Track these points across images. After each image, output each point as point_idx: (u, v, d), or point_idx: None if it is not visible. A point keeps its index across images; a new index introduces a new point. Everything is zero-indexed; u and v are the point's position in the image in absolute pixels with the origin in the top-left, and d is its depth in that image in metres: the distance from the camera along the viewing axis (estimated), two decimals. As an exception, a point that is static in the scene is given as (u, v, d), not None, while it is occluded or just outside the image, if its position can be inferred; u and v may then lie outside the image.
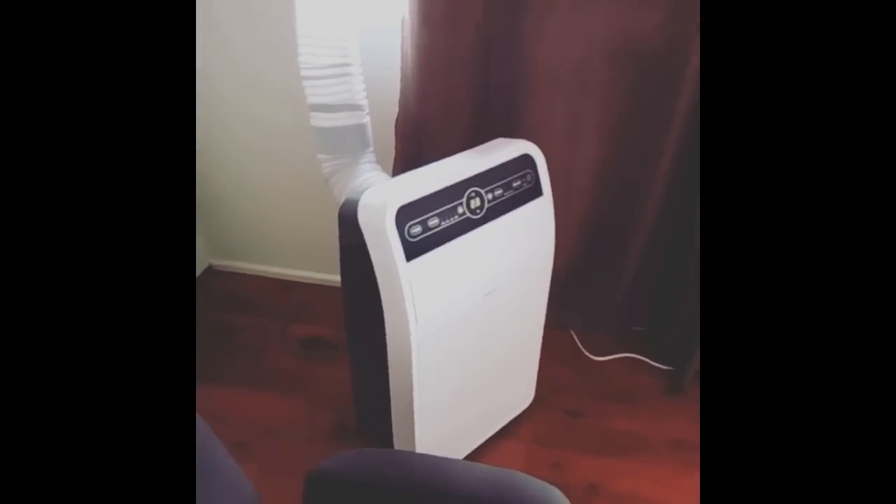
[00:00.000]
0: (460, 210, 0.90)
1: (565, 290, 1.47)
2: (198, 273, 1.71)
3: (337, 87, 1.11)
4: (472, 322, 1.00)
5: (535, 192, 1.00)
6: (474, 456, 1.22)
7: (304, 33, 1.07)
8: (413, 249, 0.85)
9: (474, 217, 0.92)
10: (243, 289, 1.69)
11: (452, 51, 1.14)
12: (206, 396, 1.36)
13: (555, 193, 1.29)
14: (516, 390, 1.26)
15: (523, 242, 1.01)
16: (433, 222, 0.87)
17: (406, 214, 0.84)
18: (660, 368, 1.43)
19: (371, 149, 1.19)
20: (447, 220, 0.88)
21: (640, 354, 1.46)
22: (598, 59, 1.13)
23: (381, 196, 0.84)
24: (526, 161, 0.98)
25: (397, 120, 1.27)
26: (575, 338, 1.51)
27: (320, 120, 1.13)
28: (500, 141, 1.03)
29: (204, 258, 1.73)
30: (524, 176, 0.98)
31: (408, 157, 1.27)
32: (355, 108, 1.13)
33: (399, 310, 0.88)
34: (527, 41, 1.13)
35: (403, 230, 0.84)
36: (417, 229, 0.85)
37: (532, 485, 0.68)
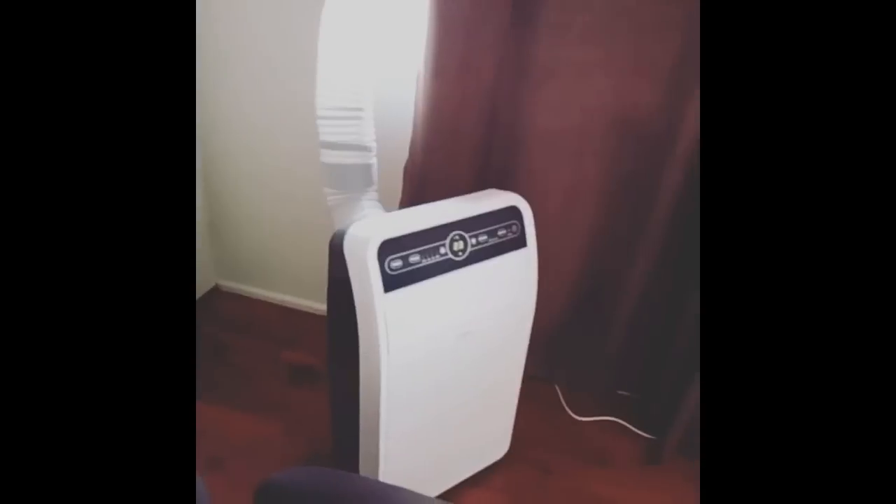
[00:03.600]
0: (442, 251, 0.94)
1: (553, 345, 1.49)
2: (203, 292, 1.77)
3: (348, 128, 1.19)
4: (445, 361, 1.02)
5: (520, 242, 1.04)
6: (443, 497, 1.22)
7: (323, 76, 1.16)
8: (392, 282, 0.89)
9: (456, 259, 0.96)
10: (244, 311, 1.74)
11: (460, 105, 1.22)
12: (190, 410, 1.39)
13: (549, 251, 1.34)
14: (490, 439, 1.26)
15: (503, 289, 1.05)
16: (414, 259, 0.92)
17: (388, 248, 0.89)
18: (641, 436, 1.42)
19: (374, 187, 1.25)
20: (428, 259, 0.93)
21: (623, 419, 1.45)
22: (596, 128, 1.19)
23: (367, 229, 0.90)
24: (513, 212, 1.03)
25: (406, 165, 1.34)
26: (559, 394, 1.51)
27: (329, 156, 1.21)
28: (491, 191, 1.08)
29: (211, 278, 1.80)
30: (510, 226, 1.03)
31: (413, 199, 1.34)
32: (363, 148, 1.21)
33: (373, 339, 0.92)
34: (530, 104, 1.21)
35: (384, 263, 0.89)
36: (398, 263, 0.90)
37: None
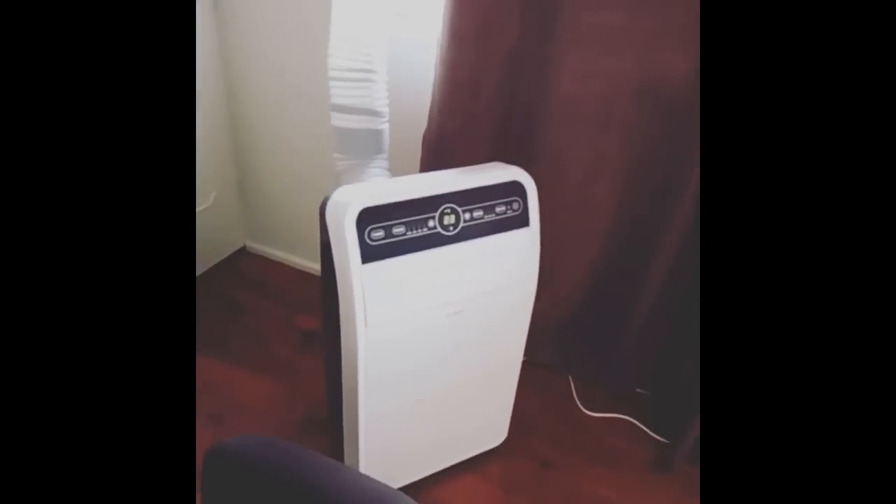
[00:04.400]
0: (431, 224, 0.89)
1: (568, 333, 1.41)
2: (231, 251, 1.80)
3: (358, 91, 1.14)
4: (433, 341, 0.97)
5: (521, 221, 0.97)
6: (430, 481, 1.18)
7: (335, 36, 1.11)
8: (371, 253, 0.85)
9: (446, 233, 0.90)
10: (266, 273, 1.76)
11: (479, 70, 1.14)
12: (202, 364, 1.42)
13: (567, 231, 1.25)
14: (486, 425, 1.21)
15: (500, 270, 0.98)
16: (398, 230, 0.86)
17: (370, 217, 0.84)
18: (654, 438, 1.32)
19: (384, 154, 1.20)
20: (414, 231, 0.88)
21: (637, 419, 1.35)
22: (622, 98, 1.08)
23: (349, 195, 0.85)
24: (515, 188, 0.96)
25: (424, 133, 1.28)
26: (572, 386, 1.43)
27: (339, 120, 1.17)
28: (495, 164, 1.01)
29: (239, 239, 1.83)
30: (510, 203, 0.95)
31: (430, 168, 1.28)
32: (373, 113, 1.16)
33: (350, 311, 0.88)
34: (551, 72, 1.11)
35: (364, 232, 0.84)
36: (379, 234, 0.85)
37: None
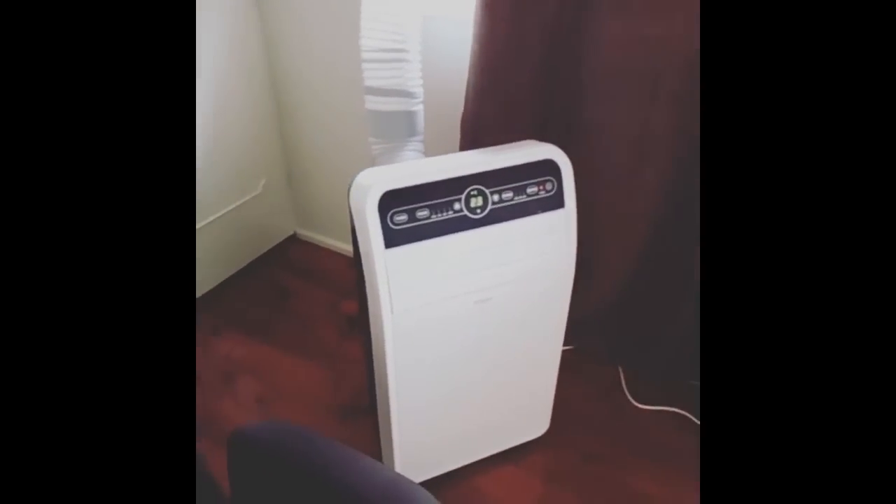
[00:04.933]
0: (457, 206, 0.85)
1: (616, 322, 1.34)
2: (281, 239, 1.84)
3: (391, 73, 1.12)
4: (462, 329, 0.94)
5: (556, 202, 0.92)
6: (471, 470, 1.16)
7: (366, 16, 1.09)
8: (394, 237, 0.83)
9: (473, 216, 0.87)
10: (314, 259, 1.79)
11: (514, 45, 1.09)
12: (247, 347, 1.46)
13: (613, 214, 1.18)
14: (525, 415, 1.17)
15: (533, 255, 0.93)
16: (422, 213, 0.84)
17: (392, 201, 0.82)
18: (710, 434, 1.23)
19: (419, 137, 1.18)
20: (439, 215, 0.85)
21: (690, 412, 1.27)
22: (671, 69, 1.00)
23: (372, 178, 0.83)
24: (548, 167, 0.90)
25: (462, 114, 1.24)
26: (622, 376, 1.37)
27: (373, 103, 1.15)
28: (527, 142, 0.96)
29: (290, 226, 1.86)
30: (543, 183, 0.90)
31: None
32: (407, 94, 1.13)
33: (376, 297, 0.86)
34: (594, 41, 1.04)
35: (387, 216, 0.82)
36: (402, 217, 0.83)
37: (416, 492, 0.63)
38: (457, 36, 1.23)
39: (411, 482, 0.65)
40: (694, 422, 1.26)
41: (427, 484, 1.13)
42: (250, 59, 1.53)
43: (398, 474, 0.67)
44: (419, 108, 1.15)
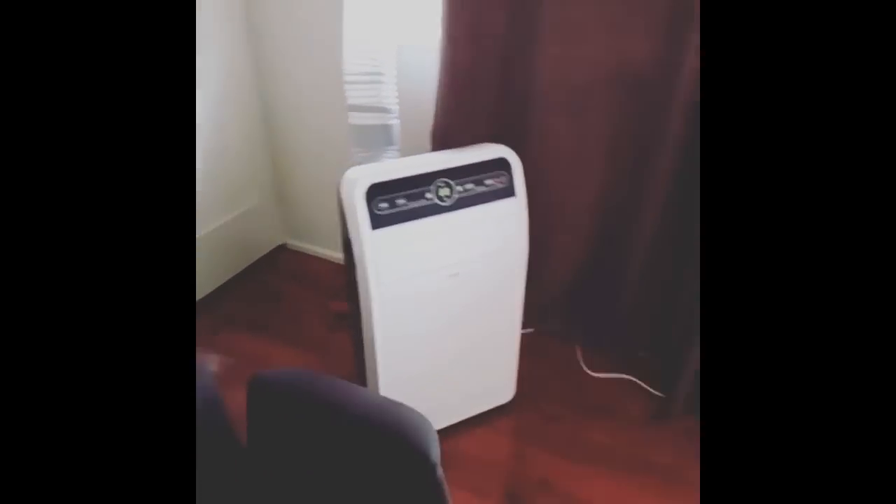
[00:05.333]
0: (428, 195, 1.05)
1: (571, 303, 1.54)
2: (272, 248, 2.01)
3: (369, 92, 1.33)
4: (438, 300, 1.13)
5: (508, 192, 1.12)
6: (447, 432, 1.33)
7: (347, 45, 1.30)
8: (379, 220, 1.02)
9: (442, 203, 1.06)
10: (303, 266, 1.96)
11: (473, 67, 1.30)
12: (245, 342, 1.62)
13: (562, 207, 1.39)
14: (493, 383, 1.35)
15: (492, 235, 1.13)
16: (400, 201, 1.03)
17: (376, 191, 1.01)
18: (653, 394, 1.43)
19: (395, 146, 1.38)
20: (414, 202, 1.04)
21: (638, 378, 1.47)
22: (599, 83, 1.22)
23: (359, 174, 1.03)
24: (501, 163, 1.11)
25: (432, 126, 1.45)
26: (578, 353, 1.56)
27: (355, 118, 1.36)
28: (485, 145, 1.17)
29: (279, 237, 2.04)
30: (498, 176, 1.11)
31: (437, 160, 1.44)
32: (383, 110, 1.34)
33: (364, 272, 1.05)
34: (535, 65, 1.26)
35: (372, 203, 1.01)
36: (385, 205, 1.02)
37: (410, 411, 0.80)
38: (427, 61, 1.45)
39: (399, 402, 0.83)
40: (639, 384, 1.46)
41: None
42: (241, 85, 1.72)
43: (388, 398, 0.84)
44: (395, 121, 1.36)
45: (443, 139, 1.41)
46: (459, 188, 1.08)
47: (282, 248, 2.04)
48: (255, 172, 1.85)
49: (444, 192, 1.06)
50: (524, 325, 1.64)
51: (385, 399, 0.84)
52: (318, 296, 1.81)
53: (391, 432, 0.78)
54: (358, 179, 1.01)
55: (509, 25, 1.25)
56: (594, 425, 1.36)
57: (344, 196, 1.04)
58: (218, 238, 1.75)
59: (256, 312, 1.74)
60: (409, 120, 1.46)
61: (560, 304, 1.56)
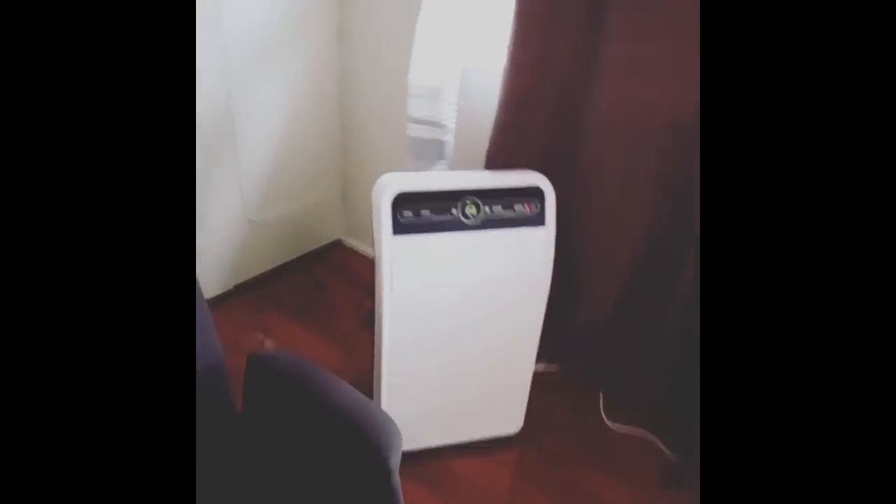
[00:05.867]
0: (454, 211, 1.07)
1: (598, 345, 1.48)
2: (327, 242, 2.10)
3: (429, 106, 1.37)
4: (449, 314, 1.13)
5: (538, 220, 1.11)
6: (448, 452, 1.32)
7: (414, 60, 1.35)
8: (400, 227, 1.05)
9: (466, 221, 1.07)
10: (351, 263, 2.03)
11: (533, 95, 1.31)
12: (283, 324, 1.70)
13: (600, 246, 1.36)
14: (501, 410, 1.32)
15: (514, 260, 1.12)
16: (425, 212, 1.05)
17: (403, 199, 1.04)
18: (669, 455, 1.34)
19: (446, 161, 1.41)
20: (439, 216, 1.06)
21: (657, 435, 1.38)
22: (655, 126, 1.19)
23: (390, 180, 1.06)
24: (534, 191, 1.10)
25: (487, 146, 1.47)
26: (600, 399, 1.50)
27: (412, 130, 1.40)
28: (522, 171, 1.16)
29: (337, 233, 2.13)
30: (529, 203, 1.10)
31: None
32: (439, 125, 1.38)
33: (381, 276, 1.08)
34: (597, 98, 1.25)
35: (397, 210, 1.04)
36: (409, 213, 1.05)
37: (381, 415, 0.82)
38: (489, 85, 1.47)
39: (377, 406, 0.84)
40: (658, 445, 1.37)
41: (407, 456, 1.30)
42: (326, 89, 1.83)
43: (371, 401, 0.86)
44: (449, 137, 1.39)
45: (495, 160, 1.43)
46: (487, 209, 1.08)
47: (337, 244, 2.13)
48: (325, 168, 1.95)
49: (471, 210, 1.07)
50: (548, 360, 1.61)
51: (362, 399, 0.85)
52: (358, 293, 1.87)
53: (357, 430, 0.79)
54: (388, 185, 1.04)
55: (575, 59, 1.25)
56: (599, 478, 1.30)
57: (373, 198, 1.07)
58: (279, 224, 1.86)
59: (299, 299, 1.82)
60: (464, 138, 1.48)
61: (588, 345, 1.51)
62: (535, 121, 1.34)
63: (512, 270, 1.13)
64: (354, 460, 0.79)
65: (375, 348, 1.20)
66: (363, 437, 0.78)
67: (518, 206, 1.09)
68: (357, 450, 0.79)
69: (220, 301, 1.76)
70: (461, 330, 1.16)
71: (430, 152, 1.40)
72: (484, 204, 1.08)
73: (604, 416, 1.45)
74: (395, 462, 0.77)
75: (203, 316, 0.94)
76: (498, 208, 1.08)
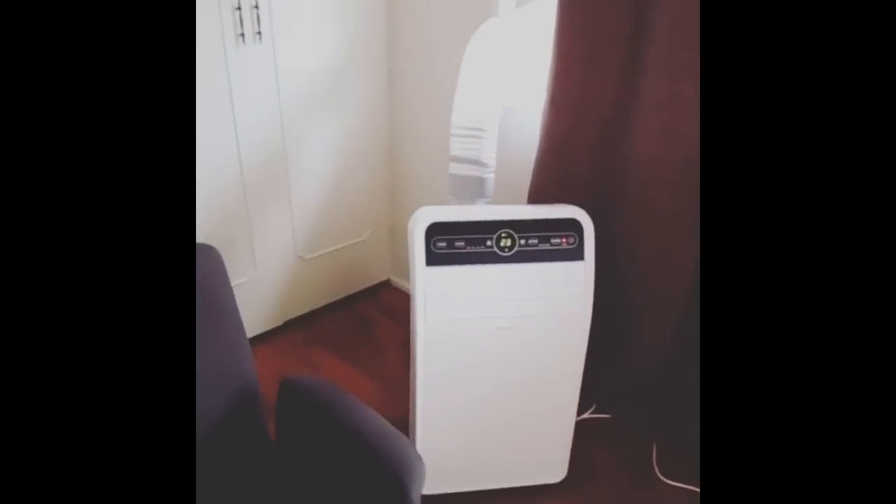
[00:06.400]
0: (489, 243, 1.06)
1: (651, 395, 1.40)
2: (376, 282, 2.13)
3: (470, 145, 1.39)
4: (484, 349, 1.11)
5: (577, 254, 1.08)
6: (486, 497, 1.26)
7: (458, 100, 1.39)
8: (434, 258, 1.05)
9: (501, 253, 1.06)
10: (400, 302, 2.04)
11: (573, 134, 1.31)
12: (329, 361, 1.72)
13: (649, 290, 1.31)
14: (542, 457, 1.26)
15: (551, 295, 1.09)
16: (459, 244, 1.05)
17: (437, 230, 1.05)
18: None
19: (487, 199, 1.42)
20: (473, 247, 1.06)
21: (714, 496, 1.27)
22: (698, 161, 1.15)
23: (426, 212, 1.07)
24: (572, 224, 1.08)
25: (529, 187, 1.47)
26: (654, 451, 1.40)
27: (454, 168, 1.42)
28: (562, 206, 1.15)
29: (386, 273, 2.16)
30: (567, 237, 1.08)
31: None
32: (480, 164, 1.39)
33: (415, 308, 1.08)
34: (636, 135, 1.23)
35: (430, 241, 1.05)
36: (443, 244, 1.05)
37: (404, 443, 0.80)
38: (530, 124, 1.49)
39: (401, 434, 0.83)
40: (715, 504, 1.26)
41: (443, 499, 1.25)
42: (376, 132, 1.90)
43: (393, 428, 0.85)
44: (490, 176, 1.40)
45: (537, 199, 1.42)
46: (522, 241, 1.07)
47: (386, 284, 2.16)
48: (373, 209, 2.01)
49: (506, 242, 1.06)
50: (600, 410, 1.52)
51: (387, 427, 0.84)
52: (404, 333, 1.87)
53: (379, 458, 0.78)
54: (423, 216, 1.05)
55: (616, 96, 1.24)
56: (647, 536, 1.20)
57: (409, 231, 1.09)
58: (328, 262, 1.91)
59: (346, 337, 1.84)
60: (506, 178, 1.49)
61: (643, 393, 1.42)
62: (576, 159, 1.33)
63: (549, 306, 1.10)
64: (377, 488, 0.77)
65: (411, 381, 1.19)
66: (384, 464, 0.76)
67: (555, 240, 1.08)
68: (379, 477, 0.77)
69: (269, 336, 1.81)
70: (497, 365, 1.13)
71: (471, 190, 1.41)
72: (519, 236, 1.07)
73: (656, 470, 1.35)
74: (417, 492, 0.75)
75: (240, 344, 0.97)
76: (534, 241, 1.07)
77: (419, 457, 0.78)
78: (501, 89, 1.37)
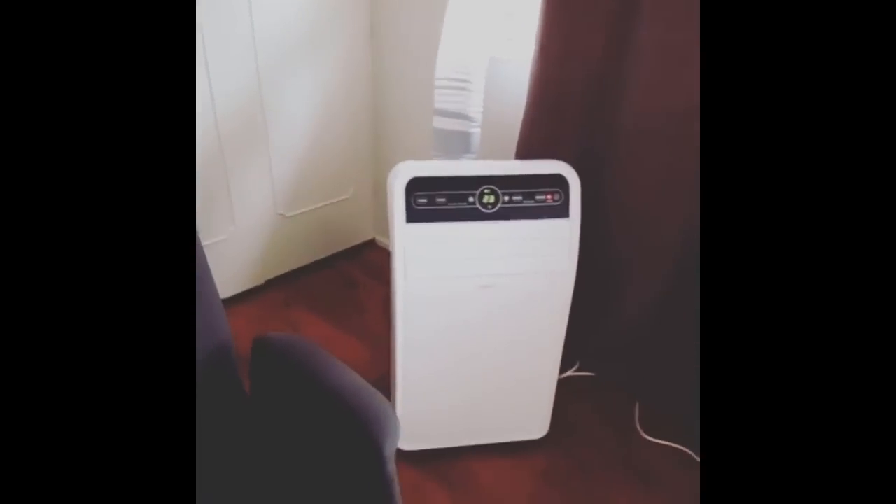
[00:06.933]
0: (471, 199, 1.02)
1: (636, 353, 1.39)
2: (360, 241, 2.09)
3: (455, 98, 1.33)
4: (465, 308, 1.09)
5: (562, 211, 1.05)
6: (469, 453, 1.26)
7: (442, 50, 1.33)
8: (414, 215, 1.01)
9: (484, 210, 1.03)
10: (384, 263, 2.01)
11: (563, 84, 1.25)
12: (310, 320, 1.70)
13: (638, 245, 1.28)
14: (523, 414, 1.26)
15: (534, 253, 1.06)
16: (440, 200, 1.02)
17: (416, 185, 1.01)
18: (708, 475, 1.24)
19: (473, 155, 1.37)
20: (455, 204, 1.02)
21: (695, 452, 1.28)
22: (693, 113, 1.11)
23: (406, 166, 1.03)
24: (557, 180, 1.05)
25: (517, 141, 1.42)
26: (637, 409, 1.41)
27: (438, 122, 1.37)
28: (548, 161, 1.11)
29: (370, 232, 2.12)
30: (553, 193, 1.05)
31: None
32: (466, 118, 1.34)
33: (395, 266, 1.04)
34: (630, 87, 1.18)
35: (411, 196, 1.01)
36: (423, 200, 1.01)
37: (378, 400, 0.78)
38: (518, 76, 1.43)
39: (375, 390, 0.81)
40: (695, 459, 1.27)
41: (425, 455, 1.26)
42: (358, 86, 1.83)
43: (366, 384, 0.83)
44: (476, 130, 1.35)
45: (525, 154, 1.38)
46: (506, 197, 1.03)
47: (370, 244, 2.12)
48: (356, 166, 1.95)
49: (489, 198, 1.03)
50: (584, 368, 1.52)
51: (361, 384, 0.82)
52: (387, 291, 1.84)
53: (353, 415, 0.76)
54: (403, 170, 1.01)
55: (607, 46, 1.19)
56: (627, 491, 1.21)
57: (388, 185, 1.05)
58: (310, 220, 1.87)
59: (329, 296, 1.82)
60: (492, 131, 1.44)
61: (627, 352, 1.42)
62: (566, 112, 1.28)
63: (533, 264, 1.07)
64: (350, 444, 0.76)
65: (391, 341, 1.17)
66: (357, 419, 0.75)
67: (540, 196, 1.04)
68: (353, 435, 0.75)
69: (249, 295, 1.78)
70: (479, 324, 1.11)
71: (456, 145, 1.36)
72: (503, 192, 1.03)
73: (639, 428, 1.36)
74: (391, 448, 0.73)
75: (211, 298, 0.94)
76: (518, 197, 1.03)
77: (393, 412, 0.76)
78: (488, 38, 1.30)
